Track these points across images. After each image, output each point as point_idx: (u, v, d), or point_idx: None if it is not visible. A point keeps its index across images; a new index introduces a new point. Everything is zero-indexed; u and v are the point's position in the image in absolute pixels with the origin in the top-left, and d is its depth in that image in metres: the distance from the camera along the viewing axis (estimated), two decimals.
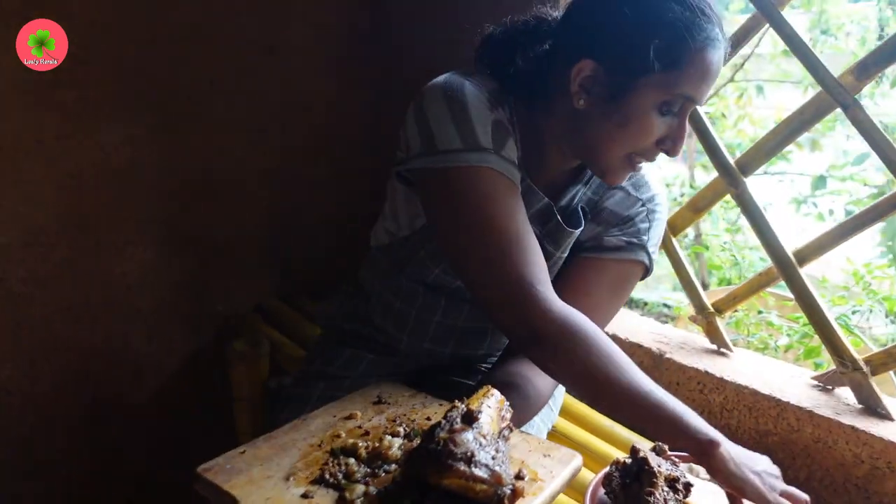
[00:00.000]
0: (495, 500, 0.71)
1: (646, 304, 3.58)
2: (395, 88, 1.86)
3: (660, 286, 4.47)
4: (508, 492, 0.72)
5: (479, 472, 0.71)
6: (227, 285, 1.87)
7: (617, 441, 1.26)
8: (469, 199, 0.94)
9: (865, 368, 1.16)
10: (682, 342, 1.46)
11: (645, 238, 1.08)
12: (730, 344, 1.40)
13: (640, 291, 4.26)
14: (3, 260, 1.56)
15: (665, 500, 0.99)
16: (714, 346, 1.42)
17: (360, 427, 0.87)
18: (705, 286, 3.36)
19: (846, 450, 1.14)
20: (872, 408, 1.16)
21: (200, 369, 1.85)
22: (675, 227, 1.47)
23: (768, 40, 3.74)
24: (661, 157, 0.98)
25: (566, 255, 1.11)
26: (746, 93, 3.81)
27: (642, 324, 1.56)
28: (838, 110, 1.14)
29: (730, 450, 0.88)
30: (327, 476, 0.77)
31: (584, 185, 1.11)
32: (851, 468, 1.14)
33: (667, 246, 1.47)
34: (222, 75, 1.76)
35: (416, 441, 0.84)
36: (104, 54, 1.60)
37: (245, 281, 1.89)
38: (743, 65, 3.68)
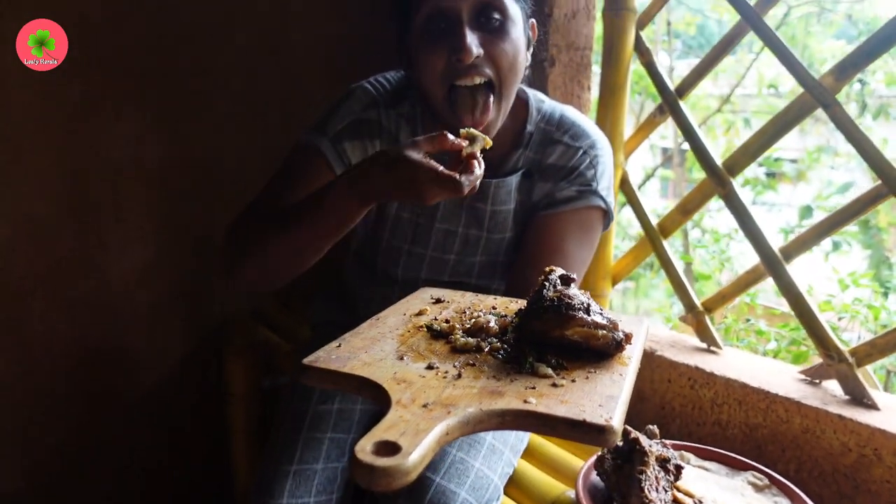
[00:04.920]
0: (613, 345, 0.74)
1: None
2: None
3: (651, 316, 4.51)
4: (622, 336, 0.75)
5: (599, 319, 0.75)
6: (225, 285, 1.89)
7: None
8: (285, 161, 1.12)
9: (851, 360, 1.19)
10: (673, 341, 1.48)
11: (595, 184, 1.13)
12: (719, 342, 1.42)
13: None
14: (5, 252, 1.58)
15: (657, 478, 1.01)
16: (704, 345, 1.45)
17: (436, 319, 0.86)
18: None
19: (834, 439, 1.16)
20: (858, 398, 1.19)
21: (196, 367, 1.85)
22: (664, 229, 1.51)
23: (754, 76, 3.87)
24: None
25: (510, 206, 1.16)
26: (734, 126, 3.92)
27: None
28: (824, 145, 1.19)
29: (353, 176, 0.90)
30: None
31: (525, 148, 1.16)
32: (839, 457, 1.15)
33: (656, 247, 1.51)
34: (225, 76, 1.82)
35: (508, 318, 0.85)
36: (111, 52, 1.65)
37: None
38: (729, 98, 3.80)
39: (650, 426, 1.09)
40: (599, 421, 0.61)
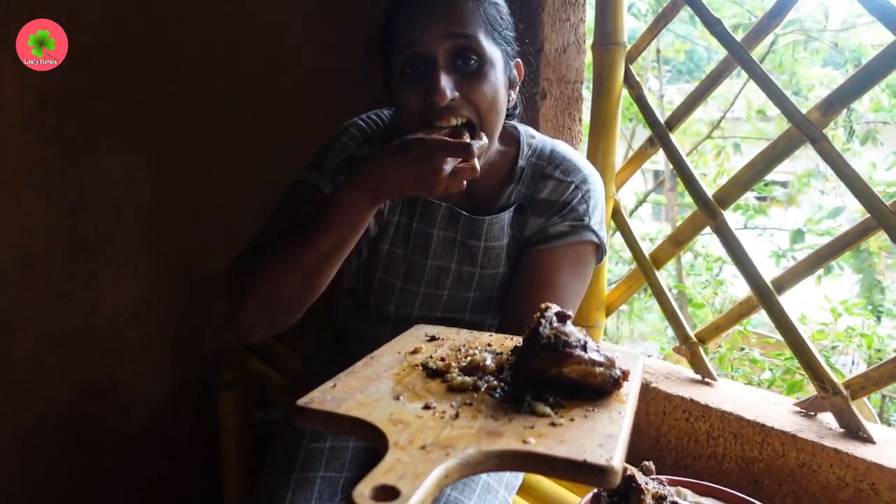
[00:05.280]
0: (611, 382, 0.74)
1: None
2: None
3: (645, 342, 4.50)
4: (619, 374, 0.74)
5: (597, 357, 0.74)
6: (218, 319, 1.88)
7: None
8: (283, 199, 1.13)
9: (845, 392, 1.18)
10: (668, 373, 1.48)
11: (587, 219, 1.13)
12: (714, 373, 1.42)
13: (625, 346, 4.29)
14: None
15: None
16: (698, 377, 1.45)
17: (431, 357, 0.85)
18: None
19: (830, 473, 1.15)
20: (854, 431, 1.18)
21: (188, 401, 1.83)
22: (657, 260, 1.52)
23: (742, 101, 3.92)
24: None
25: (503, 242, 1.15)
26: (724, 150, 3.97)
27: None
28: (813, 169, 1.21)
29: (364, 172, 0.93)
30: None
31: (517, 184, 1.16)
32: (836, 492, 1.15)
33: (649, 278, 1.52)
34: (221, 111, 1.83)
35: (504, 355, 0.84)
36: (109, 89, 1.66)
37: None
38: (719, 123, 3.84)
39: (646, 462, 1.08)
40: (600, 461, 0.60)
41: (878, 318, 3.04)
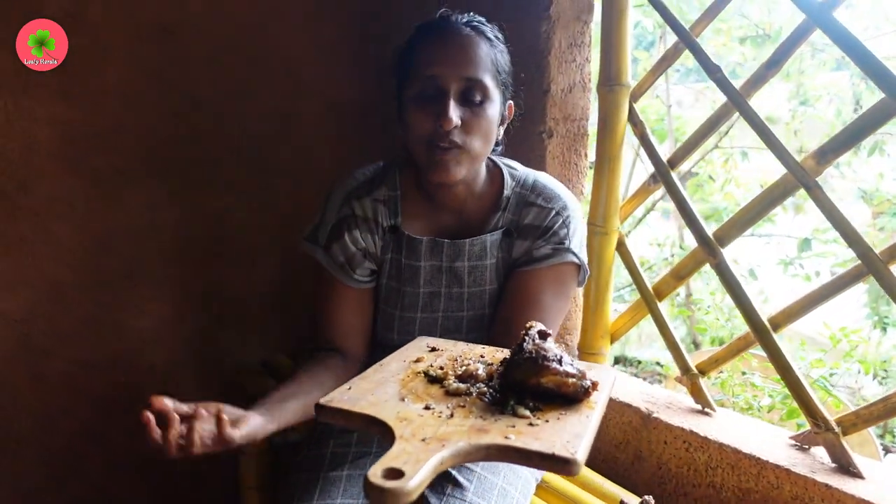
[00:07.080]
0: (581, 391, 0.86)
1: (639, 362, 3.66)
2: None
3: (654, 344, 4.53)
4: (589, 384, 0.87)
5: (570, 369, 0.87)
6: (237, 341, 1.96)
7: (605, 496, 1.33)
8: (314, 280, 1.29)
9: (837, 429, 1.24)
10: (669, 402, 1.54)
11: (567, 242, 1.25)
12: (713, 404, 1.48)
13: (634, 350, 4.33)
14: (28, 315, 1.65)
15: None
16: (699, 407, 1.51)
17: (431, 366, 0.98)
18: (696, 345, 3.44)
19: None
20: (845, 467, 1.24)
21: None
22: (659, 293, 1.58)
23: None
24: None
25: (487, 261, 1.27)
26: (732, 158, 3.98)
27: (633, 385, 1.65)
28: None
29: None
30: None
31: (504, 211, 1.28)
32: None
33: (652, 310, 1.58)
34: (240, 143, 1.89)
35: (494, 366, 0.97)
36: (135, 125, 1.74)
37: (254, 337, 1.98)
38: (727, 132, 3.87)
39: (646, 497, 1.14)
40: (566, 454, 0.74)
41: (884, 330, 3.07)
